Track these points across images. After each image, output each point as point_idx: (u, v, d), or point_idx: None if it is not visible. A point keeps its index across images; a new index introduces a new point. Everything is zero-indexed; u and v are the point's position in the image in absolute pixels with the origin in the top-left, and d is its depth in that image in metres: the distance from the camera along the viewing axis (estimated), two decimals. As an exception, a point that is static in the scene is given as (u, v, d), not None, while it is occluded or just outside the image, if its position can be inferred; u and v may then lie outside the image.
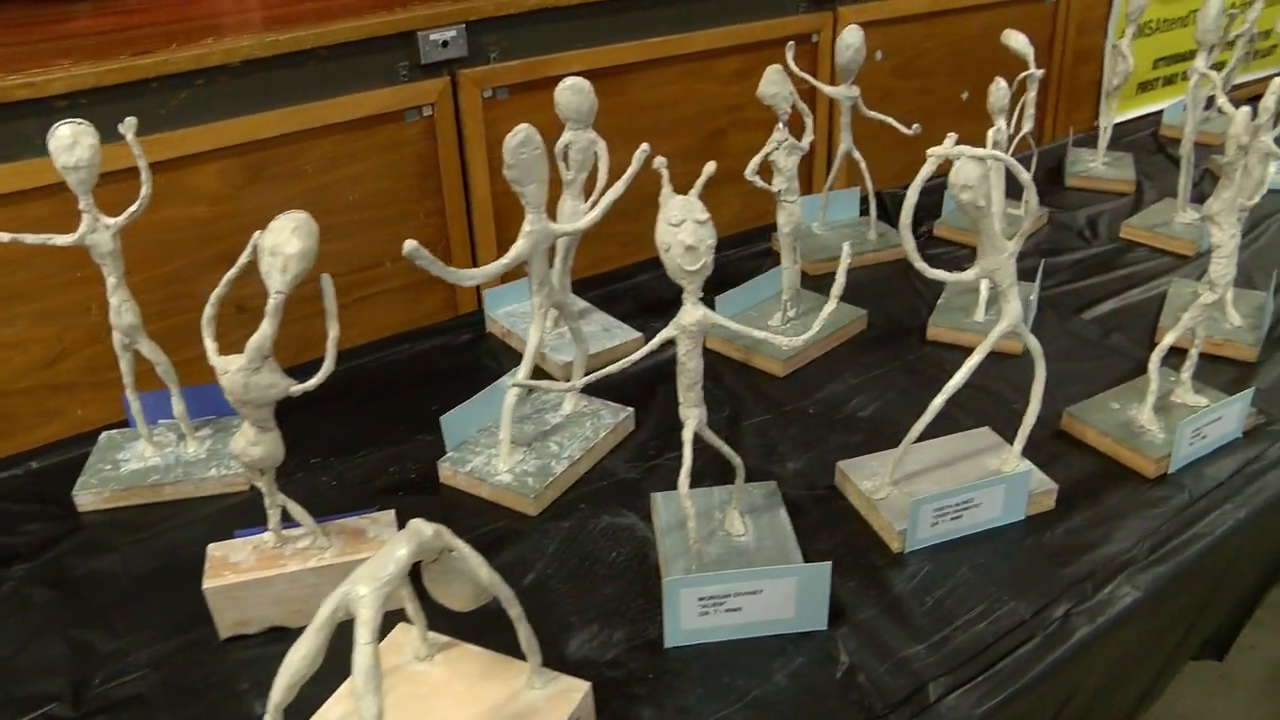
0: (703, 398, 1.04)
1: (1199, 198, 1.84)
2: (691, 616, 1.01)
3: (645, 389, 1.42)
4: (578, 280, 1.71)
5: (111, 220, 1.19)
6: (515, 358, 1.44)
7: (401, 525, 1.15)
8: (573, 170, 1.40)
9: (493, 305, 1.62)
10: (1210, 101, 2.13)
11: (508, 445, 1.25)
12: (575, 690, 0.92)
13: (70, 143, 1.13)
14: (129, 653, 1.04)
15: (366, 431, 1.38)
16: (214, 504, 1.26)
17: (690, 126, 2.37)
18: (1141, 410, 1.31)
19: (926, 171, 1.03)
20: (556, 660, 1.00)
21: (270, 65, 1.82)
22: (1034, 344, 1.18)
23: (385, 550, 0.77)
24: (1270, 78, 1.34)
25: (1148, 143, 2.36)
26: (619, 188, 1.20)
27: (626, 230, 1.89)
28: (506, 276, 1.20)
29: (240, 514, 1.23)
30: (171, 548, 1.19)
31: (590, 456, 1.29)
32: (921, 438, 1.18)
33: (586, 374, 1.08)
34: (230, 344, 0.99)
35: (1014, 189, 1.79)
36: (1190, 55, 1.81)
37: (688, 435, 1.03)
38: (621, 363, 1.02)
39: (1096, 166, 2.14)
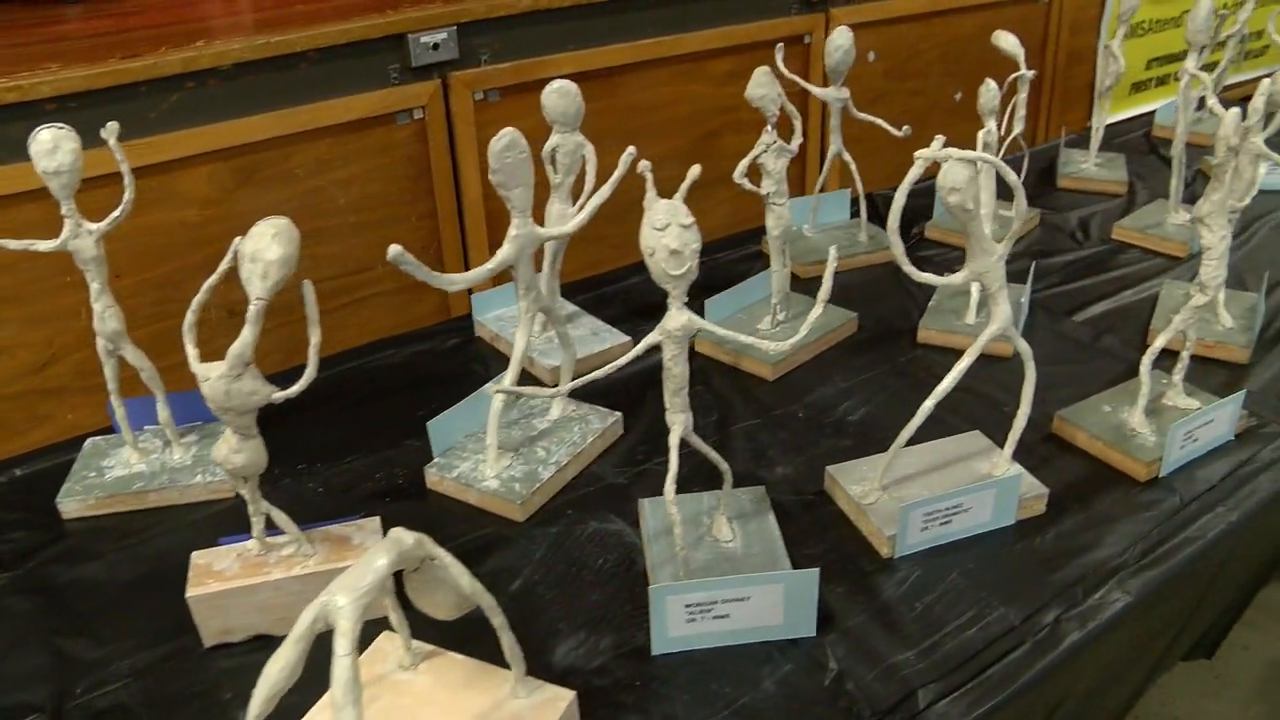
0: (689, 403, 1.03)
1: (1191, 199, 1.84)
2: (678, 623, 1.00)
3: (634, 393, 1.41)
4: (567, 283, 1.71)
5: (94, 225, 1.18)
6: (503, 362, 1.43)
7: (387, 532, 1.15)
8: (560, 173, 1.40)
9: (481, 309, 1.61)
10: (1202, 102, 2.12)
11: (495, 451, 1.24)
12: (560, 699, 0.91)
13: (51, 147, 1.12)
14: (111, 662, 1.03)
15: (353, 437, 1.37)
16: (200, 510, 1.25)
17: (683, 128, 2.36)
18: (1133, 413, 1.31)
19: (914, 174, 1.02)
20: (543, 668, 0.99)
21: (260, 68, 1.81)
22: (1024, 347, 1.17)
23: (365, 560, 0.76)
24: (1262, 78, 1.33)
25: (1140, 143, 2.35)
26: (605, 191, 1.19)
27: (617, 233, 1.88)
28: (495, 280, 1.19)
29: (226, 520, 1.22)
30: (156, 555, 1.18)
31: (578, 462, 1.28)
32: (911, 441, 1.17)
33: (575, 378, 1.07)
34: (219, 349, 0.98)
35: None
36: (1183, 55, 1.80)
37: (674, 441, 1.03)
38: (607, 368, 1.02)
39: (1088, 167, 2.13)
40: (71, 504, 1.24)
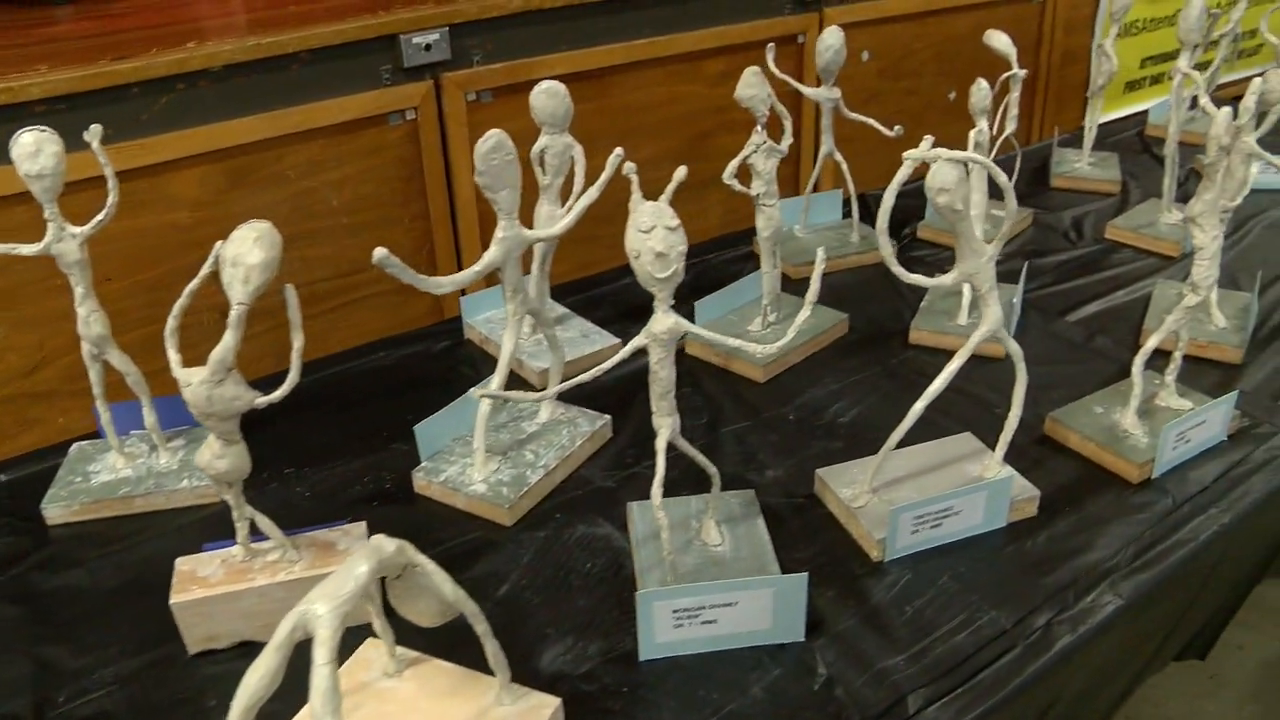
0: (675, 406, 1.02)
1: (1184, 198, 1.84)
2: (666, 629, 0.99)
3: (624, 396, 1.40)
4: (558, 285, 1.70)
5: (78, 229, 1.17)
6: (493, 364, 1.42)
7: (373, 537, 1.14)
8: (549, 175, 1.39)
9: (470, 312, 1.60)
10: (1195, 101, 2.12)
11: (482, 454, 1.23)
12: (545, 706, 0.90)
13: (33, 150, 1.11)
14: (94, 670, 1.02)
15: (341, 441, 1.36)
16: (186, 516, 1.24)
17: (676, 128, 2.35)
18: (1125, 414, 1.30)
19: (903, 175, 1.01)
20: (529, 674, 0.99)
21: (252, 70, 1.81)
22: (1014, 348, 1.16)
23: (345, 567, 0.76)
24: (1253, 77, 1.33)
25: (1133, 142, 2.35)
26: (593, 193, 1.18)
27: (609, 234, 1.87)
28: (486, 282, 1.18)
29: (213, 525, 1.21)
30: (141, 561, 1.17)
31: (566, 465, 1.27)
32: (902, 443, 1.17)
33: (564, 381, 1.07)
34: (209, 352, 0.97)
35: (1018, 187, 1.78)
36: (1176, 54, 1.80)
37: (660, 445, 1.02)
38: (593, 371, 1.01)
39: (1082, 167, 2.13)
40: (56, 510, 1.23)
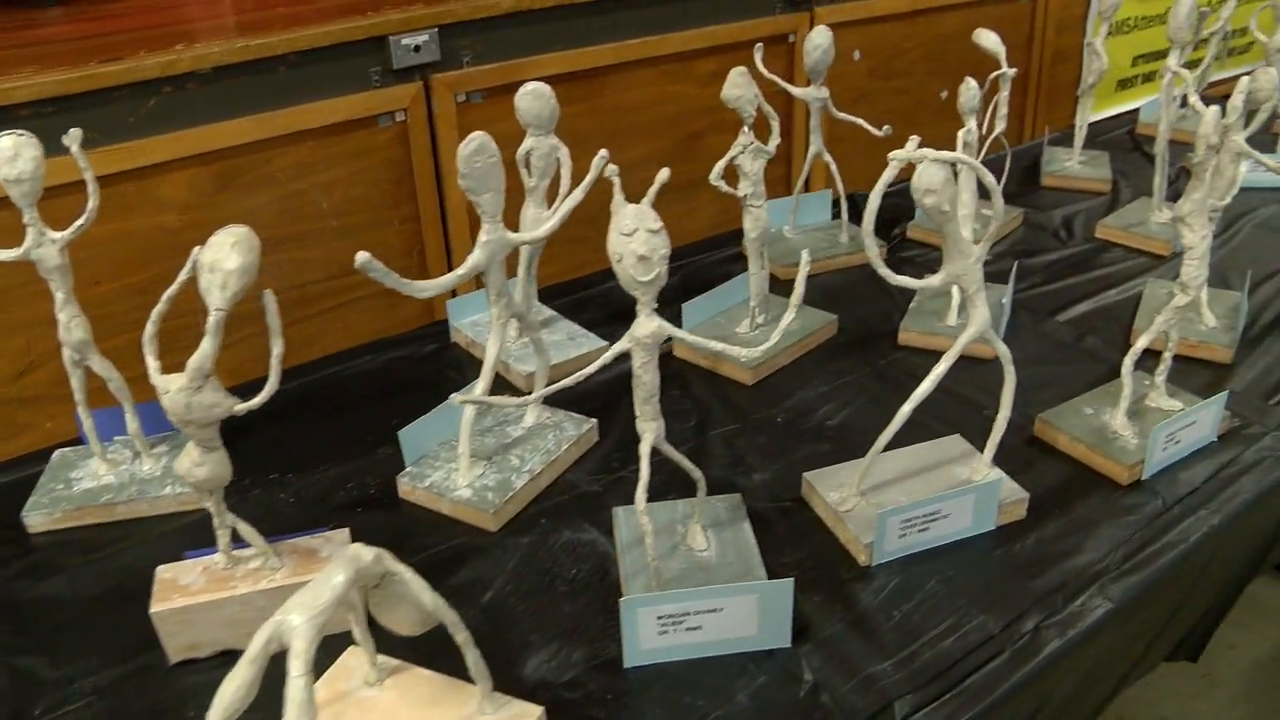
0: (660, 411, 1.01)
1: (1175, 196, 1.83)
2: (650, 636, 0.98)
3: (610, 399, 1.39)
4: (548, 287, 1.69)
5: (58, 234, 1.16)
6: (480, 368, 1.41)
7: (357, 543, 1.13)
8: (535, 177, 1.38)
9: (457, 315, 1.59)
10: (1185, 100, 2.11)
11: (467, 459, 1.22)
12: (528, 716, 0.90)
13: (12, 155, 1.10)
14: (73, 680, 1.01)
15: (326, 446, 1.35)
16: (170, 523, 1.23)
17: (667, 129, 2.35)
18: (1115, 415, 1.29)
19: (889, 176, 1.01)
20: (513, 681, 0.98)
21: (240, 71, 1.80)
22: (1003, 350, 1.16)
23: (321, 577, 0.75)
24: (1241, 76, 1.32)
25: (1124, 141, 2.34)
26: (577, 195, 1.18)
27: (599, 235, 1.86)
28: (476, 283, 1.18)
29: (196, 532, 1.20)
30: (123, 569, 1.16)
31: (552, 470, 1.26)
32: (891, 446, 1.16)
33: (549, 384, 1.06)
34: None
35: (1009, 187, 1.77)
36: (1167, 53, 1.79)
37: (644, 450, 1.01)
38: (575, 376, 1.00)
39: (1072, 165, 2.12)
40: (38, 518, 1.22)
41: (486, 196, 1.12)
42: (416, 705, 0.91)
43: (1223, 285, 1.63)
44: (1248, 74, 1.33)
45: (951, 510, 1.13)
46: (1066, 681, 1.05)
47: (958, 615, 1.05)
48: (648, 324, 0.96)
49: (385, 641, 0.93)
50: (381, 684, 0.93)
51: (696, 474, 1.07)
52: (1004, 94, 1.63)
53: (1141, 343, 1.27)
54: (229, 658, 1.03)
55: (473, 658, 0.86)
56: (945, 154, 1.01)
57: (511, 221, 1.17)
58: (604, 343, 1.51)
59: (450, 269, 2.11)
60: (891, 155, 1.00)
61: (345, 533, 1.10)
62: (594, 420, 1.33)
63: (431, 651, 0.94)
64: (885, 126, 1.59)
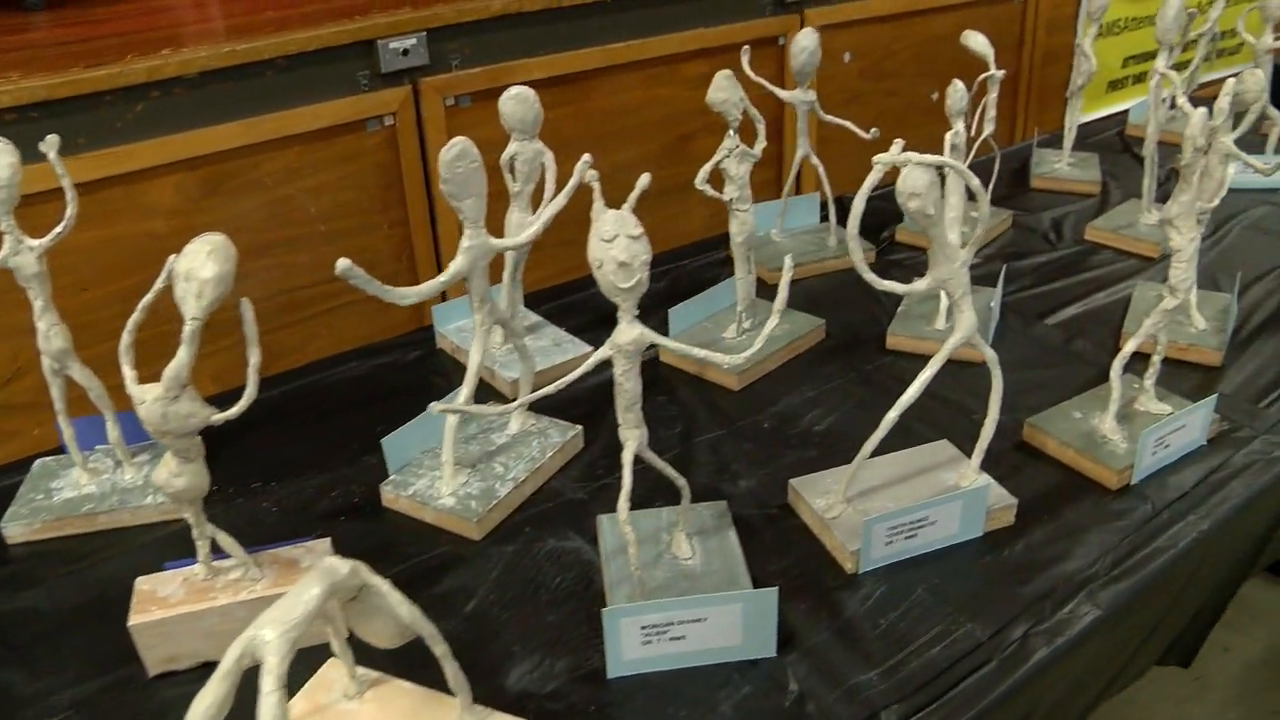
0: (642, 418, 1.00)
1: (1164, 198, 1.82)
2: (634, 646, 0.97)
3: (596, 406, 1.38)
4: (534, 292, 1.68)
5: (36, 242, 1.15)
6: (465, 374, 1.40)
7: (339, 552, 1.12)
8: (519, 182, 1.37)
9: (442, 321, 1.58)
10: (1175, 101, 2.11)
11: (450, 467, 1.21)
12: (508, 728, 0.89)
13: (-13, 162, 1.09)
14: (51, 694, 1.00)
15: (310, 454, 1.34)
16: (152, 532, 1.22)
17: (657, 132, 2.34)
18: (1104, 419, 1.28)
19: (873, 179, 1.00)
20: (495, 692, 0.97)
21: (227, 76, 1.79)
22: (990, 354, 1.15)
23: (295, 591, 0.74)
24: (1227, 78, 1.31)
25: (1114, 142, 2.34)
26: (560, 200, 1.17)
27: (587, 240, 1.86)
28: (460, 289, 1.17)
29: (178, 542, 1.18)
30: (103, 580, 1.14)
31: (537, 477, 1.25)
32: (878, 451, 1.15)
33: (534, 390, 1.05)
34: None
35: (998, 189, 1.76)
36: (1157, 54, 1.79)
37: (627, 458, 1.00)
38: (556, 384, 0.99)
39: (1062, 167, 2.11)
40: (17, 528, 1.20)
41: (468, 202, 1.11)
42: (396, 718, 0.90)
43: (1212, 287, 1.63)
44: (1235, 75, 1.32)
45: (939, 517, 1.12)
46: (1055, 689, 1.04)
47: (945, 623, 1.04)
48: (629, 331, 0.95)
49: (366, 653, 0.92)
50: (361, 696, 0.92)
51: (680, 482, 1.06)
52: (992, 96, 1.63)
53: (1130, 346, 1.26)
54: (209, 670, 1.00)
55: (452, 670, 0.85)
56: (929, 157, 1.00)
57: (496, 227, 1.16)
58: (590, 348, 1.50)
59: (439, 274, 2.09)
60: (876, 159, 0.99)
61: (326, 543, 1.09)
62: (579, 427, 1.32)
63: (412, 664, 0.93)
64: (873, 129, 1.58)
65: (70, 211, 1.15)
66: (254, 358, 0.94)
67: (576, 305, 1.67)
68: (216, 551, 1.04)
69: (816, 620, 1.05)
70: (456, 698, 0.89)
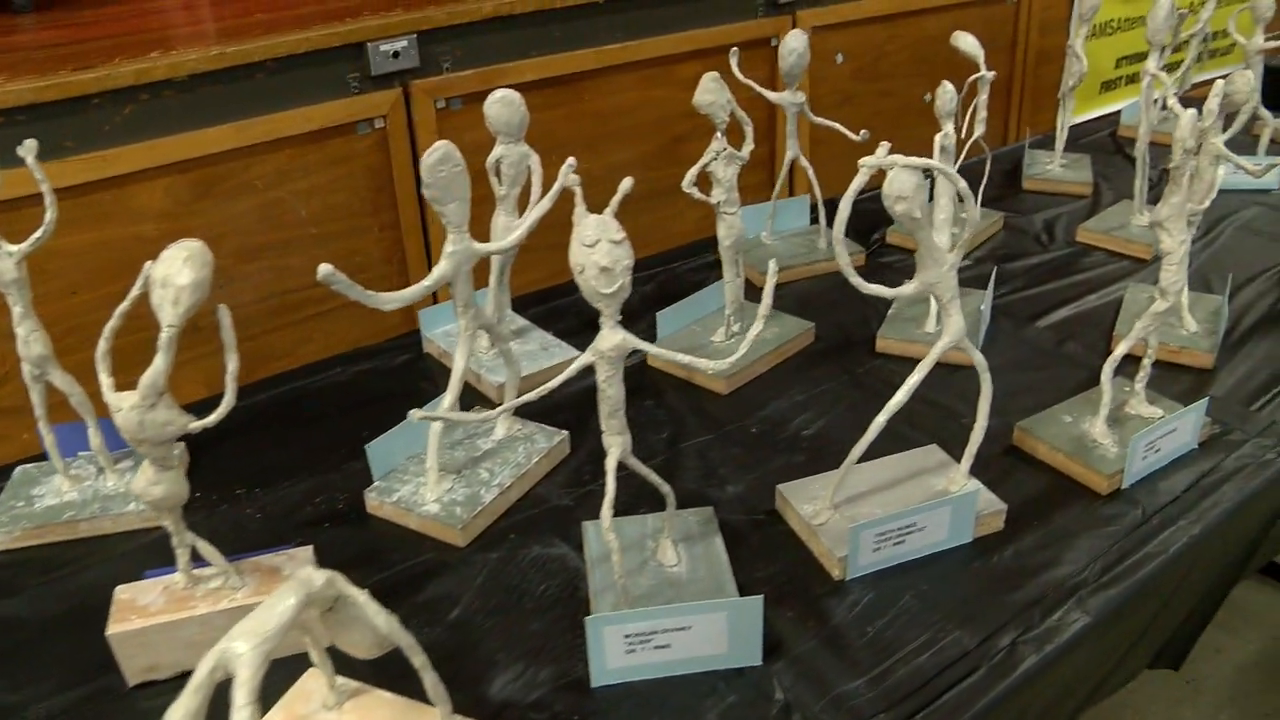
0: (626, 425, 0.99)
1: (1157, 199, 1.81)
2: (618, 655, 0.96)
3: (582, 410, 1.36)
4: (523, 295, 1.67)
5: (14, 247, 1.14)
6: (452, 379, 1.40)
7: (322, 561, 1.11)
8: (505, 185, 1.36)
9: (429, 325, 1.57)
10: (1165, 102, 2.10)
11: (435, 473, 1.20)
12: (490, 739, 0.87)
13: (-36, 167, 1.07)
14: (28, 705, 0.99)
15: (295, 460, 1.33)
16: (133, 540, 1.21)
17: (649, 133, 2.33)
18: (1094, 423, 1.28)
19: (859, 182, 0.99)
20: (477, 701, 0.96)
21: (217, 79, 1.78)
22: (979, 359, 1.14)
23: (269, 602, 0.72)
24: (1216, 79, 1.30)
25: (1106, 143, 2.33)
26: (545, 204, 1.16)
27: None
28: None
29: (161, 549, 1.15)
30: (83, 589, 1.13)
31: (522, 483, 1.24)
32: (867, 456, 1.14)
33: (520, 395, 1.04)
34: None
35: (990, 190, 1.75)
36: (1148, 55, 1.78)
37: (610, 464, 0.99)
38: (538, 391, 0.98)
39: (1054, 168, 2.11)
40: (-4, 536, 1.19)
41: (452, 206, 1.10)
42: (376, 729, 0.88)
43: (1204, 288, 1.62)
44: (1222, 77, 1.32)
45: (927, 523, 1.11)
46: (1043, 696, 1.03)
47: (933, 631, 1.03)
48: (611, 337, 0.94)
49: (347, 663, 0.91)
50: (340, 707, 0.91)
51: (665, 489, 1.05)
52: (983, 97, 1.62)
53: (1121, 349, 1.25)
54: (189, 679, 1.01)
55: (430, 681, 0.84)
56: (916, 160, 0.99)
57: (482, 231, 1.15)
58: (578, 352, 1.48)
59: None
60: (861, 162, 0.98)
61: (308, 551, 1.08)
62: (565, 432, 1.31)
63: (393, 674, 0.92)
64: (863, 131, 1.58)
65: (50, 216, 1.14)
66: (232, 364, 0.93)
67: (564, 309, 1.66)
68: (197, 560, 1.03)
69: (803, 628, 1.04)
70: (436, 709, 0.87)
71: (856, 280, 1.03)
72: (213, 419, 0.93)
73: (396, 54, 1.92)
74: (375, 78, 1.94)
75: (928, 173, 1.02)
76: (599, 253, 0.89)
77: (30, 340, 1.17)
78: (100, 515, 1.22)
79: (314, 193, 1.95)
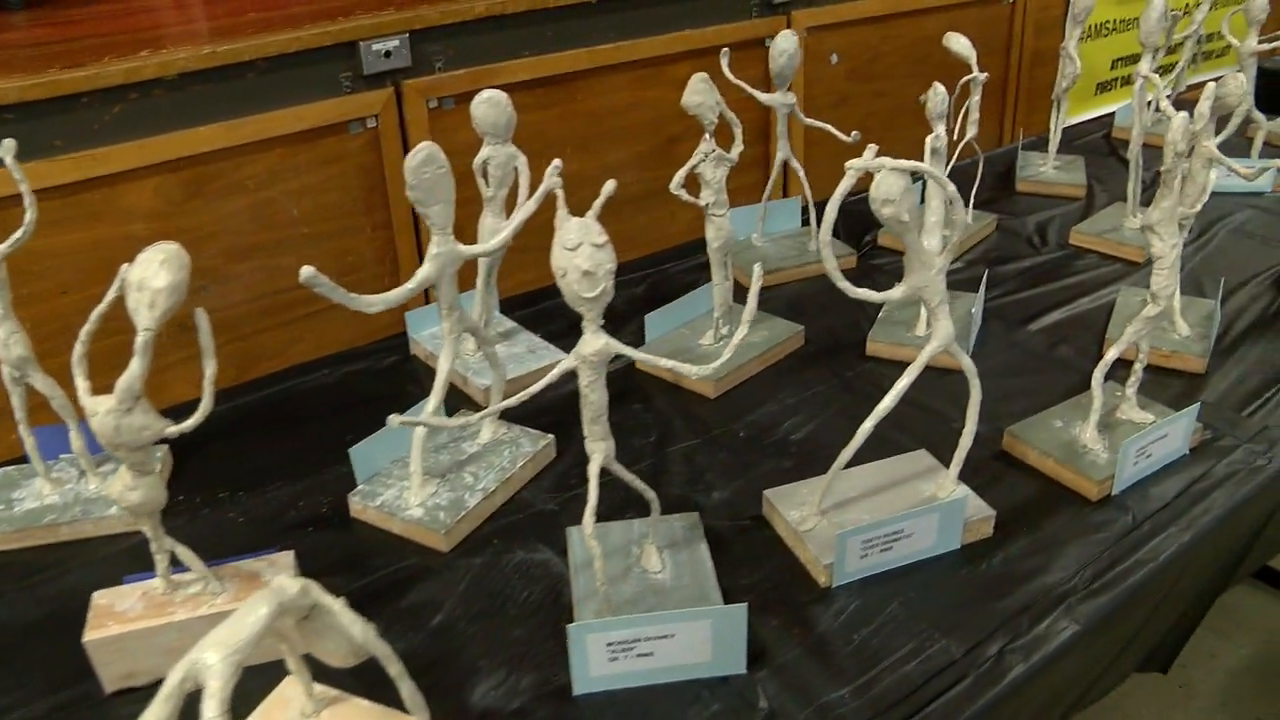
0: (609, 430, 0.98)
1: (1150, 201, 1.81)
2: (600, 662, 0.95)
3: (569, 414, 1.34)
4: (511, 297, 1.66)
5: (-7, 248, 1.12)
6: (439, 382, 1.38)
7: (304, 566, 1.10)
8: (492, 186, 1.35)
9: (416, 327, 1.55)
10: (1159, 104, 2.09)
11: (419, 477, 1.19)
12: (468, 749, 0.86)
13: (-58, 167, 1.06)
14: (5, 711, 0.97)
15: (278, 463, 1.31)
16: (115, 544, 1.20)
17: (643, 134, 2.32)
18: (1085, 428, 1.27)
19: (845, 186, 0.98)
20: (458, 709, 0.95)
21: (208, 78, 1.77)
22: (968, 363, 1.13)
23: (242, 611, 0.71)
24: (1207, 82, 1.29)
25: (1100, 145, 2.32)
26: (530, 206, 1.15)
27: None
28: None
29: (142, 554, 1.14)
30: (63, 593, 1.12)
31: (507, 488, 1.23)
32: (855, 461, 1.13)
33: (506, 398, 1.03)
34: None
35: (983, 192, 1.74)
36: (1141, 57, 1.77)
37: (593, 470, 0.98)
38: (520, 395, 0.97)
39: (1047, 170, 2.10)
40: (-24, 540, 1.18)
41: (436, 208, 1.09)
42: (353, 739, 0.87)
43: (1196, 292, 1.61)
44: (1214, 80, 1.31)
45: (915, 529, 1.10)
46: (1031, 704, 1.02)
47: (919, 639, 1.02)
48: (594, 341, 0.93)
49: (327, 671, 0.89)
50: (318, 715, 0.90)
51: (650, 494, 1.04)
52: (975, 99, 1.61)
53: (1112, 354, 1.24)
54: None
55: (408, 690, 0.83)
56: (904, 162, 0.98)
57: (470, 232, 1.14)
58: (566, 355, 1.47)
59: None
60: (849, 164, 0.97)
61: (290, 556, 1.07)
62: (551, 436, 1.30)
63: (372, 682, 0.90)
64: (854, 132, 1.57)
65: (29, 217, 1.13)
66: (209, 369, 0.92)
67: (553, 311, 1.64)
68: (177, 565, 1.02)
69: (788, 636, 1.03)
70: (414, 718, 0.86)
71: (843, 284, 1.02)
72: (189, 424, 0.92)
73: (388, 53, 1.92)
74: (367, 77, 1.93)
75: (918, 175, 1.01)
76: (581, 256, 0.88)
77: (10, 342, 1.16)
78: (82, 519, 1.20)
79: (305, 192, 1.94)
